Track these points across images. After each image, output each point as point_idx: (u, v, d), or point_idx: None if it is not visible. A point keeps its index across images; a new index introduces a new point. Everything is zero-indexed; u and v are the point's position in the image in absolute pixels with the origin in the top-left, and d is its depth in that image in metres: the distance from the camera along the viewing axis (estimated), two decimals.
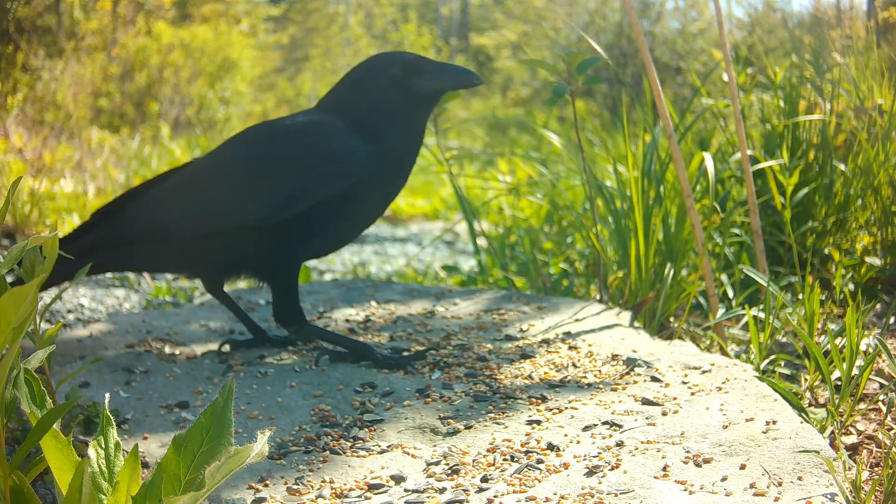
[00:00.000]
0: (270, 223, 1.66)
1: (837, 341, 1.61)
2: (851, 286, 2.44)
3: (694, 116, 2.86)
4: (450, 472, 1.25)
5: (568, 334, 1.88)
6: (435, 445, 1.36)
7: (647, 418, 1.39)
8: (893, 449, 1.26)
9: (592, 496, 1.14)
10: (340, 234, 1.76)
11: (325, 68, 14.78)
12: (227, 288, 1.90)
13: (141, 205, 1.78)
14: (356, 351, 1.71)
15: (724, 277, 2.41)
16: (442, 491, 1.19)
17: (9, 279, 1.78)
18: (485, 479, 1.21)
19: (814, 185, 2.59)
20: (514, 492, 1.17)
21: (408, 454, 1.33)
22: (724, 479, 1.17)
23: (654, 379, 1.57)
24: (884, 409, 1.57)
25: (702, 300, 2.37)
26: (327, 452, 1.34)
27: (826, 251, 2.56)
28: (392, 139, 1.69)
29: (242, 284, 3.33)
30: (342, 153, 1.65)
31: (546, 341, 1.83)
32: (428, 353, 1.72)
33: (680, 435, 1.32)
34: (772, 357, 1.80)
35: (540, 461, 1.26)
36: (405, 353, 1.74)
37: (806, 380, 1.74)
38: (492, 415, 1.46)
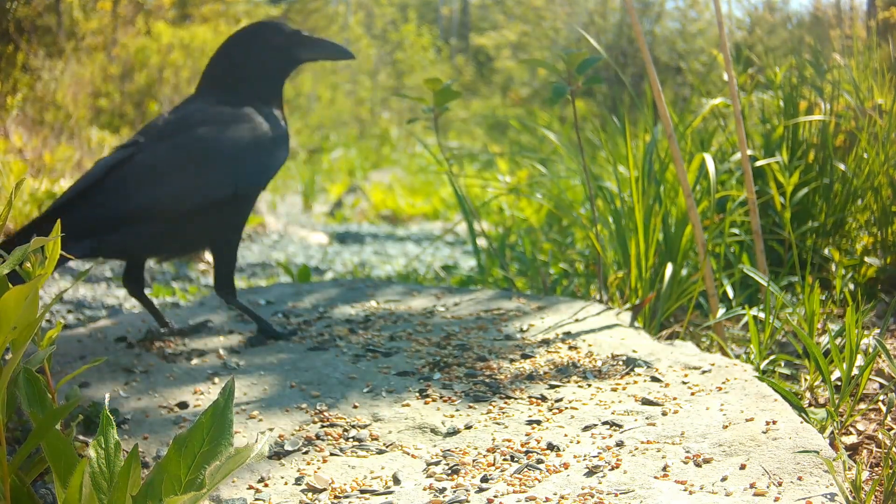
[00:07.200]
0: (233, 198, 1.84)
1: (837, 341, 1.61)
2: (851, 286, 2.44)
3: (693, 116, 2.86)
4: (450, 472, 1.25)
5: (568, 334, 1.88)
6: (435, 445, 1.36)
7: (647, 418, 1.39)
8: (893, 449, 1.25)
9: (592, 496, 1.14)
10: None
11: (325, 68, 14.75)
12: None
13: (126, 182, 1.77)
14: (263, 330, 1.93)
15: (723, 277, 2.41)
16: (442, 491, 1.19)
17: None
18: (485, 479, 1.21)
19: (814, 185, 2.59)
20: (514, 492, 1.17)
21: (408, 454, 1.33)
22: (724, 479, 1.17)
23: (654, 379, 1.57)
24: (884, 409, 1.57)
25: (702, 300, 2.37)
26: (327, 453, 1.34)
27: (826, 251, 2.56)
28: (278, 102, 1.95)
29: (242, 284, 3.33)
30: (283, 135, 1.91)
31: (546, 341, 1.83)
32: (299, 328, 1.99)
33: (680, 435, 1.32)
34: (772, 357, 1.80)
35: (540, 461, 1.26)
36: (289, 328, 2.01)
37: (806, 380, 1.74)
38: (492, 415, 1.46)
